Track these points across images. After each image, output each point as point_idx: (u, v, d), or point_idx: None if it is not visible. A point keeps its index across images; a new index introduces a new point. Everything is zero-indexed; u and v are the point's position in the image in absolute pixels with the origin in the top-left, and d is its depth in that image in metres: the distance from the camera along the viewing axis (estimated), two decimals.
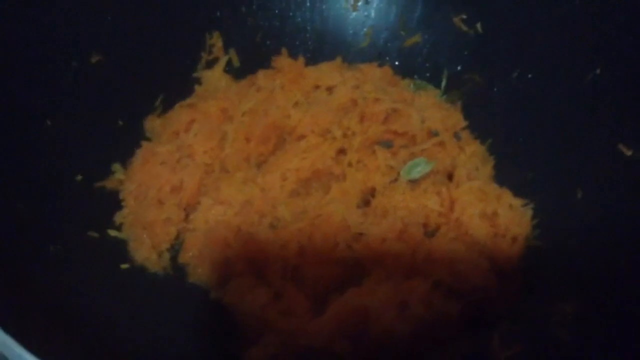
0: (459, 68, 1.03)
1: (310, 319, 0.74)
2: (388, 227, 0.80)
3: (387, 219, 0.82)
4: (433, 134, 0.92)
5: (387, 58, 1.07)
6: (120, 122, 0.91)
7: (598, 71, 0.83)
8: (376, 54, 1.07)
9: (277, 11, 1.07)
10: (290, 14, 1.08)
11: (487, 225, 0.82)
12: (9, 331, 0.55)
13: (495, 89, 0.98)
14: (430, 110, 0.96)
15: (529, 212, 0.84)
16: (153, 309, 0.78)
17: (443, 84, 1.03)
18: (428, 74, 1.05)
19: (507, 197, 0.85)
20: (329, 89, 0.97)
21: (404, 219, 0.82)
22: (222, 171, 0.89)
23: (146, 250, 0.81)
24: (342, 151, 0.90)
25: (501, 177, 0.91)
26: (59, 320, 0.66)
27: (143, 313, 0.76)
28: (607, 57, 0.83)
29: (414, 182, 0.88)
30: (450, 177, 0.89)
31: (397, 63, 1.06)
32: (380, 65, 1.03)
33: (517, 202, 0.85)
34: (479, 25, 0.99)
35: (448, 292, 0.76)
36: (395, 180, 0.88)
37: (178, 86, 0.99)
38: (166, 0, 0.97)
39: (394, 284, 0.75)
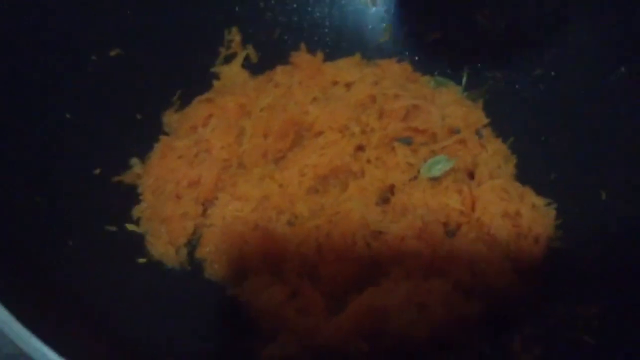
0: (480, 65, 1.01)
1: (327, 318, 0.73)
2: (407, 225, 0.79)
3: (406, 217, 0.80)
4: (454, 131, 0.91)
5: (407, 54, 1.05)
6: (139, 116, 0.91)
7: (623, 69, 0.81)
8: (395, 50, 1.05)
9: (295, 6, 1.07)
10: (309, 9, 1.07)
11: (510, 225, 0.80)
12: (27, 325, 0.55)
13: (517, 87, 0.96)
14: (451, 107, 0.94)
15: (552, 212, 0.82)
16: (169, 304, 0.77)
17: (464, 80, 1.01)
18: (449, 71, 1.03)
19: (530, 196, 0.83)
20: (348, 85, 0.96)
21: (423, 217, 0.80)
22: (239, 167, 0.88)
23: (163, 245, 0.81)
24: (360, 148, 0.88)
25: (523, 176, 0.89)
26: (76, 314, 0.67)
27: (159, 308, 0.76)
28: (632, 55, 0.81)
29: (434, 180, 0.86)
30: (471, 175, 0.88)
31: (417, 59, 1.05)
32: (399, 61, 1.01)
33: (540, 201, 0.83)
34: (501, 22, 0.97)
35: (468, 293, 0.75)
36: (415, 177, 0.86)
37: (196, 81, 0.99)
38: None
39: (413, 283, 0.74)
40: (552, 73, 0.91)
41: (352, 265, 0.77)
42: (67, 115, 0.81)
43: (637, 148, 0.78)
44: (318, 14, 1.07)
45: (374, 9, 1.07)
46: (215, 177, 0.85)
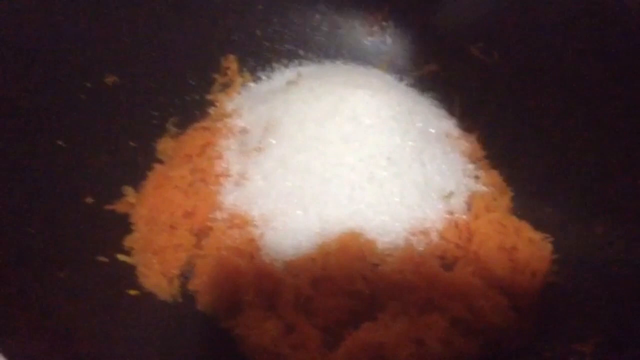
0: (475, 96, 1.02)
1: (323, 354, 0.72)
2: (404, 258, 0.78)
3: (403, 250, 0.80)
4: None
5: (404, 84, 1.05)
6: (133, 144, 0.90)
7: (620, 102, 0.82)
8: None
9: (293, 35, 1.07)
10: (307, 38, 1.08)
11: (506, 259, 0.80)
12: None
13: (513, 118, 0.97)
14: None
15: (548, 246, 0.82)
16: (161, 337, 0.75)
17: (458, 111, 1.02)
18: (444, 102, 1.04)
19: (527, 230, 0.83)
20: None
21: (421, 250, 0.80)
22: None
23: (155, 276, 0.79)
24: None
25: (519, 209, 0.89)
26: (66, 347, 0.64)
27: (150, 340, 0.74)
28: (630, 88, 0.81)
29: None
30: (468, 207, 0.88)
31: (413, 89, 1.05)
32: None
33: (537, 236, 0.82)
34: (495, 54, 0.98)
35: (466, 329, 0.74)
36: None
37: (192, 108, 0.99)
38: (182, 22, 0.97)
39: (410, 319, 0.73)
40: (548, 105, 0.91)
41: (348, 299, 0.76)
42: (60, 143, 0.80)
43: (632, 182, 0.78)
44: (315, 44, 1.08)
45: (371, 40, 1.09)
46: (211, 207, 0.84)
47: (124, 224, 0.84)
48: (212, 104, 1.00)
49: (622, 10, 0.81)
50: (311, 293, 0.76)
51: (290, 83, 0.98)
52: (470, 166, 0.93)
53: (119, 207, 0.84)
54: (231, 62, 1.03)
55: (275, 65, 1.06)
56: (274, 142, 0.87)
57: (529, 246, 0.81)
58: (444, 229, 0.83)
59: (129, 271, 0.80)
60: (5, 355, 0.56)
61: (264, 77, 1.05)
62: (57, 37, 0.82)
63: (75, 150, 0.81)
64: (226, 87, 1.02)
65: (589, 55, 0.86)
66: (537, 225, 0.85)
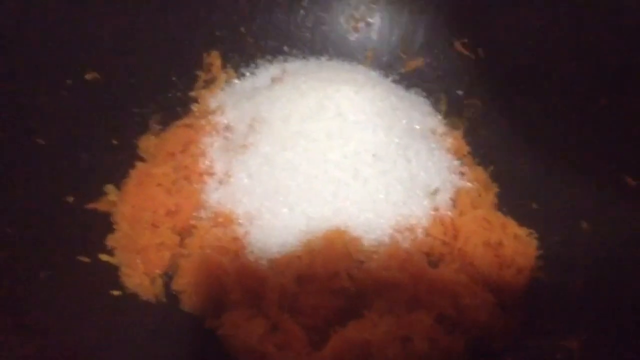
0: (460, 92, 1.02)
1: (309, 353, 0.71)
2: (390, 255, 0.78)
3: (389, 247, 0.79)
4: None
5: (389, 80, 1.05)
6: (115, 142, 0.88)
7: (604, 101, 0.82)
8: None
9: (277, 31, 1.07)
10: (291, 34, 1.07)
11: (492, 255, 0.80)
12: None
13: (497, 115, 0.97)
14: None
15: (533, 242, 0.82)
16: (144, 338, 0.74)
17: (443, 108, 1.02)
18: (429, 98, 1.04)
19: (512, 226, 0.83)
20: None
21: (406, 247, 0.80)
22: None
23: (138, 276, 0.78)
24: None
25: (504, 205, 0.90)
26: (47, 349, 0.64)
27: (134, 342, 0.73)
28: (613, 87, 0.82)
29: None
30: (453, 204, 0.88)
31: (397, 85, 1.05)
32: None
33: (522, 231, 0.83)
34: (480, 50, 0.99)
35: (452, 326, 0.74)
36: None
37: (175, 105, 0.97)
38: (165, 18, 0.96)
39: (397, 316, 0.73)
40: (533, 102, 0.92)
41: (334, 296, 0.76)
42: (40, 141, 0.78)
43: (617, 179, 0.78)
44: (300, 40, 1.08)
45: (355, 35, 1.08)
46: (194, 205, 0.83)
47: (105, 223, 0.82)
48: (195, 101, 0.99)
49: (608, 10, 0.82)
50: (296, 291, 0.75)
51: (274, 80, 0.98)
52: (456, 163, 0.93)
53: (101, 205, 0.83)
54: (215, 59, 1.01)
55: (259, 61, 1.05)
56: (258, 139, 0.86)
57: (514, 242, 0.82)
58: (429, 226, 0.83)
59: (112, 271, 0.79)
60: None
61: (248, 74, 1.04)
62: (36, 32, 0.80)
63: (55, 149, 0.80)
64: (209, 83, 1.01)
65: (574, 53, 0.86)
66: (523, 222, 0.85)
